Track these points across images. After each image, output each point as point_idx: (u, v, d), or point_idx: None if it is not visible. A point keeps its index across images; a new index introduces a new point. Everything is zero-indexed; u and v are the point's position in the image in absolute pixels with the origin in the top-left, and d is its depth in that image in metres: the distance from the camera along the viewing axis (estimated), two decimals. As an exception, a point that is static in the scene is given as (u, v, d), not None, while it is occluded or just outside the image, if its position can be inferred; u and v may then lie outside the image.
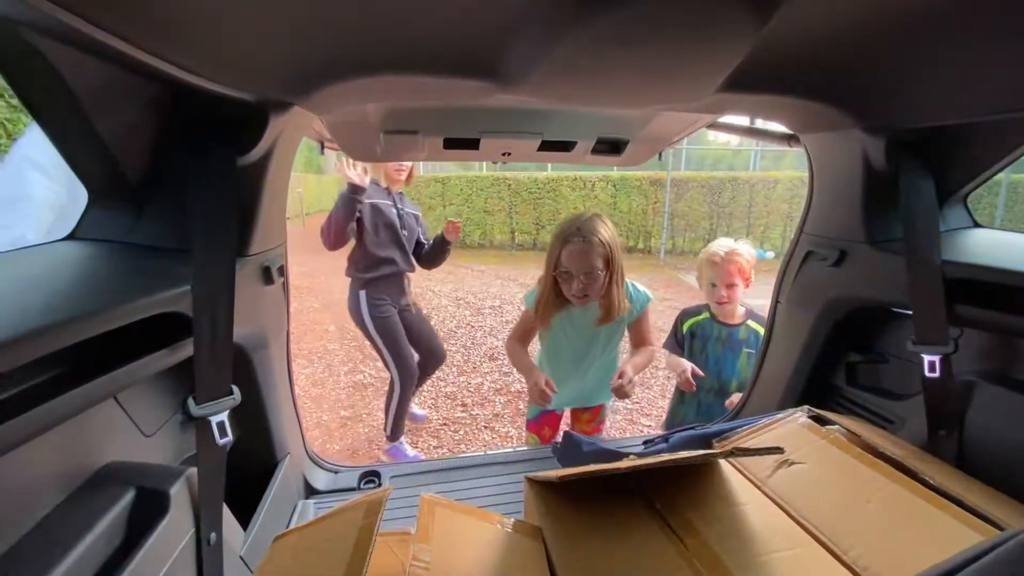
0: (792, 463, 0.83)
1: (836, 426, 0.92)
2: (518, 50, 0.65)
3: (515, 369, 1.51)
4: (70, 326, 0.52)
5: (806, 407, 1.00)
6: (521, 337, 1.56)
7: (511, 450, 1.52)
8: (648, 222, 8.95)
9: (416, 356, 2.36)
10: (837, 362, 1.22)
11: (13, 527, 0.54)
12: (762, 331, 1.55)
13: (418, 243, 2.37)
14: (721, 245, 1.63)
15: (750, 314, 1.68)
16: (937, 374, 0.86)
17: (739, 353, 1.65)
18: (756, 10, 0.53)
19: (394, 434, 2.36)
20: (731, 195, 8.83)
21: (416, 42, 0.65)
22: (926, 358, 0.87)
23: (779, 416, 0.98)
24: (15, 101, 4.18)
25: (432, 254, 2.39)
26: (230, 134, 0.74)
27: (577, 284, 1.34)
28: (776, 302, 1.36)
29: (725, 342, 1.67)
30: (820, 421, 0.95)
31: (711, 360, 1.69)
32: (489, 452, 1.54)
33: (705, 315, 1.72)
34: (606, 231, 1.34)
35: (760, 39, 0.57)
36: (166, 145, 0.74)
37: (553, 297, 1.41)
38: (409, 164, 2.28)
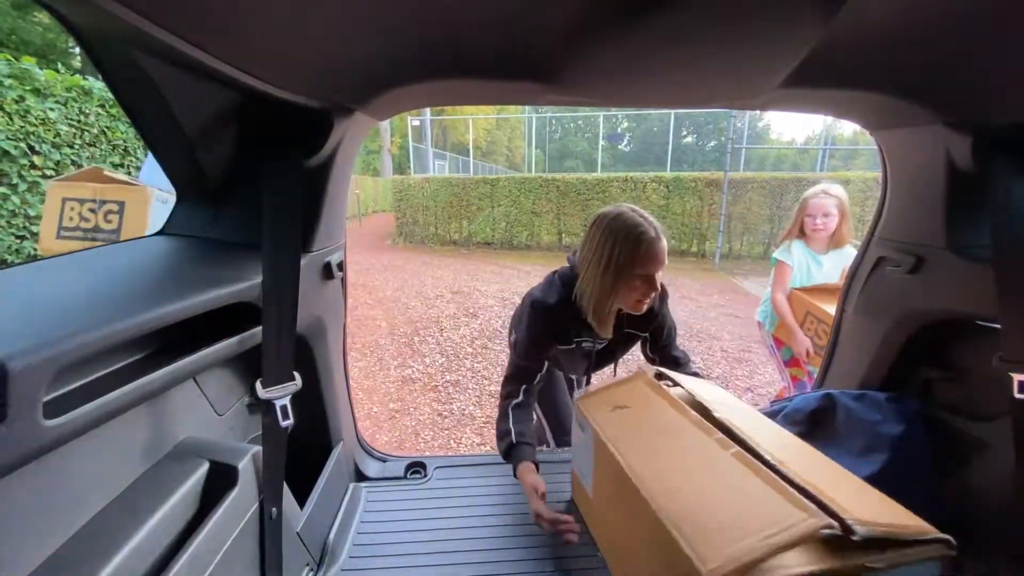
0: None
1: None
2: (573, 52, 0.65)
3: (787, 321, 1.92)
4: (155, 313, 0.58)
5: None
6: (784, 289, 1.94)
7: (548, 450, 1.52)
8: (703, 225, 8.61)
9: None
10: (910, 378, 1.13)
11: (106, 491, 0.61)
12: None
13: None
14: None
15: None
16: None
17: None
18: None
19: None
20: (795, 196, 8.30)
21: (472, 47, 0.67)
22: (1015, 377, 0.79)
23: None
24: (114, 111, 4.65)
25: None
26: (299, 139, 0.80)
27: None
28: (841, 311, 1.28)
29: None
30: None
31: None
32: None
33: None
34: None
35: (829, 29, 0.54)
36: (242, 149, 0.80)
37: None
38: None
